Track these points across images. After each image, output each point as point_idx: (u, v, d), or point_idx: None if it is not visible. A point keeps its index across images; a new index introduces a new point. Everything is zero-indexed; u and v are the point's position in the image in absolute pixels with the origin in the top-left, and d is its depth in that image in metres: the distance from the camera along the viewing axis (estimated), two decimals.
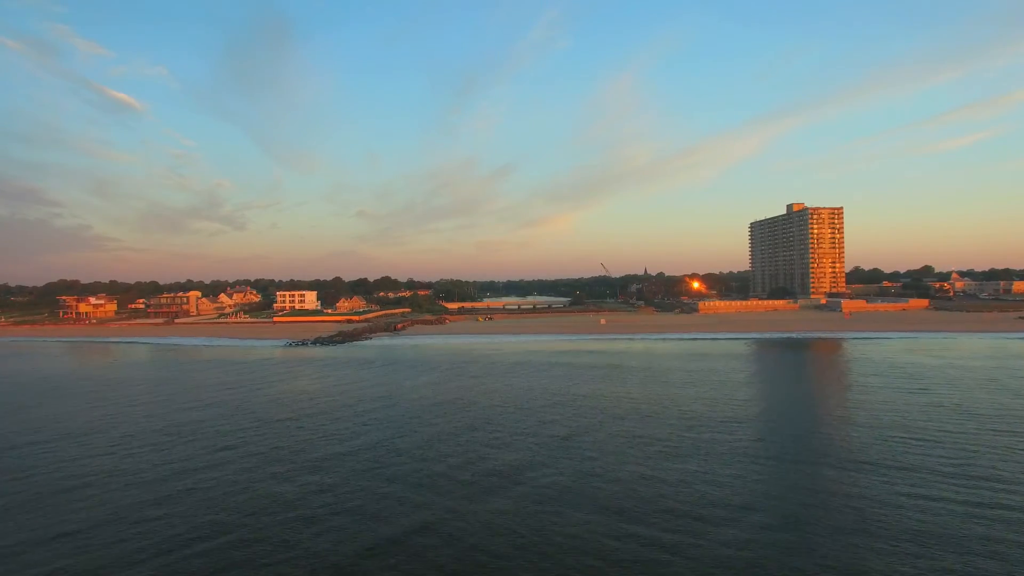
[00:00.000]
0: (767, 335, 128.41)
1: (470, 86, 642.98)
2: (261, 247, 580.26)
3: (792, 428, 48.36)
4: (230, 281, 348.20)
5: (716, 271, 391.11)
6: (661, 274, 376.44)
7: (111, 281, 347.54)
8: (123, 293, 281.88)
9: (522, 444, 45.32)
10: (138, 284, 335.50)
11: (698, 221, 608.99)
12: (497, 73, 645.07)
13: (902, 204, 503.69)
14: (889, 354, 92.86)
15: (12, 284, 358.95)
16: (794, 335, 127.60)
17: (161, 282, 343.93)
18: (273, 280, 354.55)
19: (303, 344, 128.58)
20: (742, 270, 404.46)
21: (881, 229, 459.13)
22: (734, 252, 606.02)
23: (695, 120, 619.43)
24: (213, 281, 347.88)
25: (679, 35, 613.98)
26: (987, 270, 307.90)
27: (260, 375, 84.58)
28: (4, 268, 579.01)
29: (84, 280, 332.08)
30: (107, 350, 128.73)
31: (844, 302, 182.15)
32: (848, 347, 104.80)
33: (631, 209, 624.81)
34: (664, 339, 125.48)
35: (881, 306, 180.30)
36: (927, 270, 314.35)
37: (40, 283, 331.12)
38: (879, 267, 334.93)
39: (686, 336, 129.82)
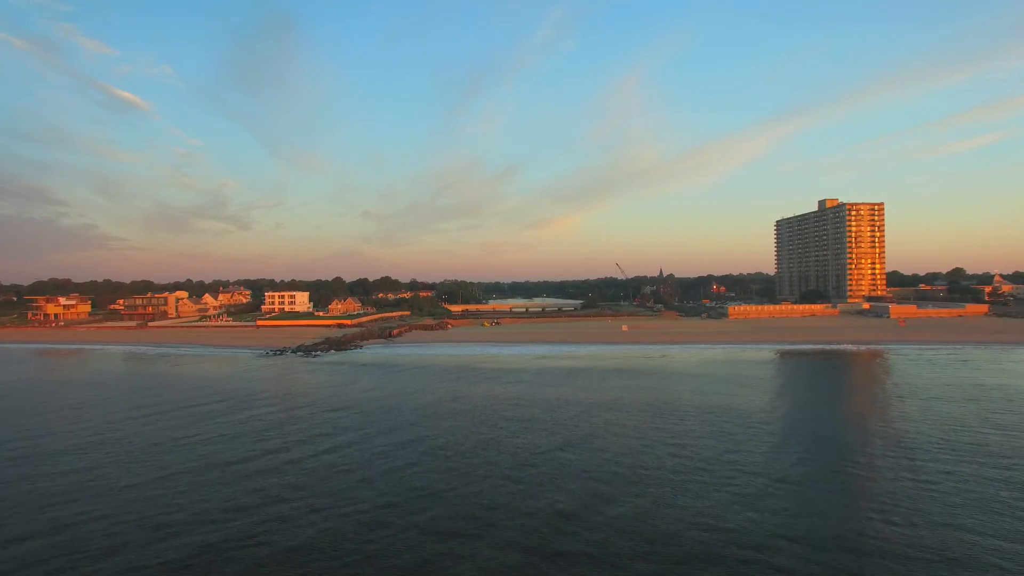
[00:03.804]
0: (819, 345, 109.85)
1: (475, 86, 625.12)
2: (266, 247, 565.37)
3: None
4: (231, 281, 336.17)
5: (732, 273, 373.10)
6: (671, 276, 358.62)
7: (105, 280, 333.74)
8: (111, 292, 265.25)
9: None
10: (133, 283, 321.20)
11: (708, 222, 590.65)
12: (502, 73, 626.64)
13: (913, 205, 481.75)
14: (1004, 375, 74.35)
15: (8, 283, 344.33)
16: (850, 346, 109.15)
17: (163, 281, 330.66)
18: (274, 280, 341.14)
19: (281, 353, 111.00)
20: (754, 272, 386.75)
21: (892, 231, 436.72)
22: (748, 253, 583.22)
23: (702, 121, 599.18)
24: (214, 280, 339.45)
25: (685, 36, 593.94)
26: (1011, 273, 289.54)
27: (202, 399, 66.89)
28: (12, 267, 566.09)
29: (77, 279, 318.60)
30: (47, 360, 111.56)
31: (892, 307, 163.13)
32: (933, 362, 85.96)
33: (637, 210, 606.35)
34: (701, 349, 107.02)
35: (934, 312, 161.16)
36: (958, 272, 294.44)
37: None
38: (897, 269, 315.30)
39: (724, 346, 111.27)
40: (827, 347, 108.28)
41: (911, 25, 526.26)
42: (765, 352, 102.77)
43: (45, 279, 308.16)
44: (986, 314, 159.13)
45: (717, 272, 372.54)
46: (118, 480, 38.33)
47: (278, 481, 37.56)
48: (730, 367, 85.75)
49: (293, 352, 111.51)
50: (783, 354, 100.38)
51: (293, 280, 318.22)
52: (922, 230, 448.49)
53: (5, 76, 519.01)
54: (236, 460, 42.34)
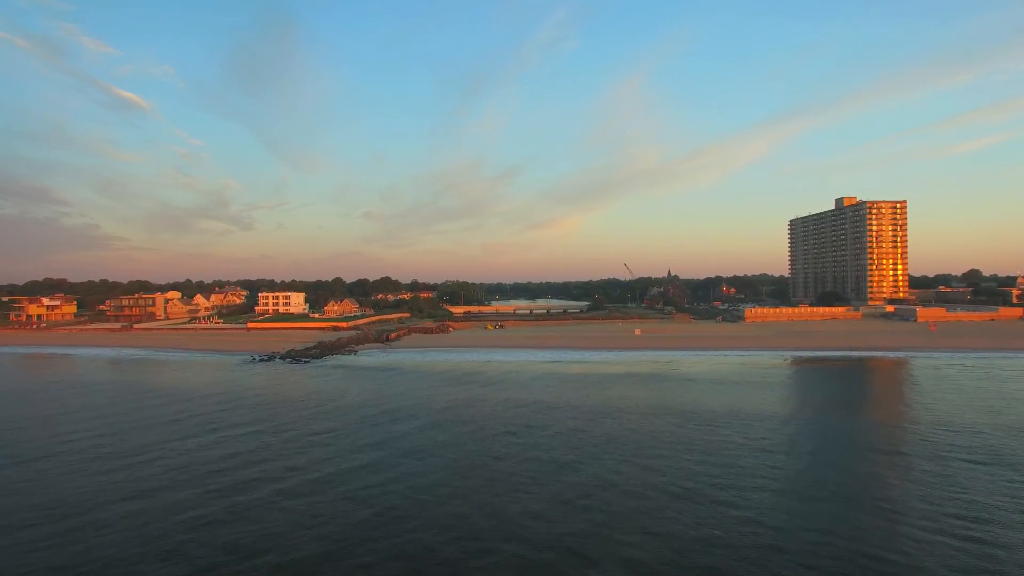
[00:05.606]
0: (851, 352, 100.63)
1: (477, 86, 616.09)
2: (268, 247, 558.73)
3: None
4: (232, 281, 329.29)
5: (739, 274, 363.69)
6: (676, 277, 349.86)
7: (101, 280, 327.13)
8: (107, 293, 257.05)
9: None
10: (129, 283, 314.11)
11: (712, 223, 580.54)
12: (504, 73, 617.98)
13: (920, 205, 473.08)
14: None
15: (6, 283, 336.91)
16: (886, 353, 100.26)
17: (164, 282, 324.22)
18: (274, 281, 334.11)
19: (269, 359, 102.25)
20: (761, 273, 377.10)
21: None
22: (755, 254, 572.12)
23: (704, 121, 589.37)
24: (214, 281, 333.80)
25: (688, 36, 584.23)
26: None
27: (163, 415, 58.31)
28: (15, 267, 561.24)
29: (78, 279, 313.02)
30: (10, 366, 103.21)
31: (920, 310, 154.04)
32: (998, 371, 77.02)
33: (640, 211, 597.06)
34: (724, 355, 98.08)
35: (964, 315, 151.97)
36: (974, 273, 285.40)
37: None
38: (908, 271, 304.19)
39: (748, 352, 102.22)
40: (861, 354, 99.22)
41: (912, 25, 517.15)
42: (794, 359, 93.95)
43: (40, 279, 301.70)
44: (1021, 317, 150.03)
45: (723, 273, 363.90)
46: (33, 511, 29.78)
47: (231, 517, 28.93)
48: (762, 375, 77.05)
49: (281, 358, 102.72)
50: (815, 361, 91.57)
51: (293, 280, 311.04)
52: (928, 230, 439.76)
53: (7, 76, 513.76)
54: (189, 486, 33.77)
